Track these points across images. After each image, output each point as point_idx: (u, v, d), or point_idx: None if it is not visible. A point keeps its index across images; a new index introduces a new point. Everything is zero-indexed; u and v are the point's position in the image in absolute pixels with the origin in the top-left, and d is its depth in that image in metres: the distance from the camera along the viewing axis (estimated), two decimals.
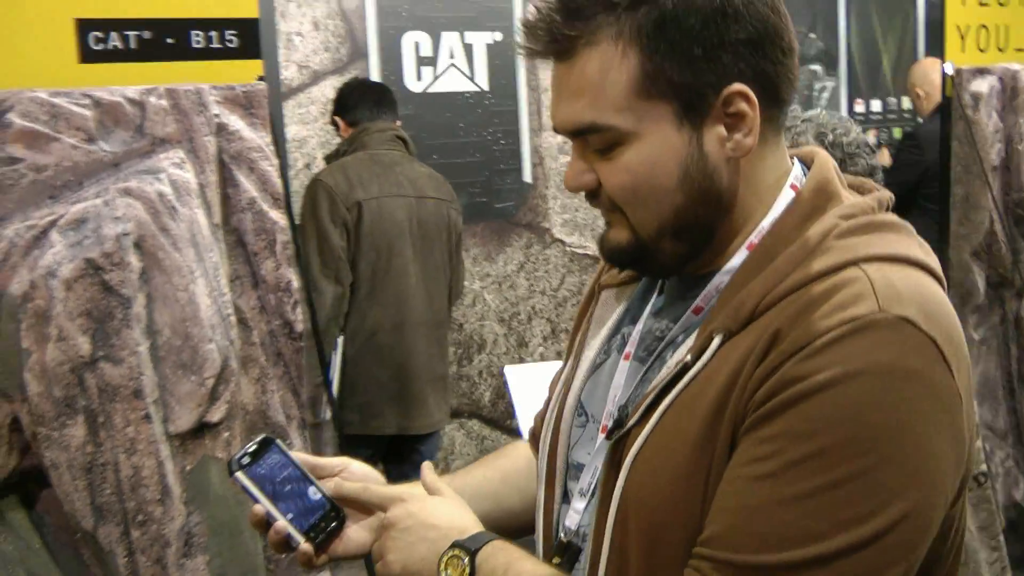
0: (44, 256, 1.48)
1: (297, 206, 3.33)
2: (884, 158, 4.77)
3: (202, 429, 1.61)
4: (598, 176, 1.11)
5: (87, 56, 1.67)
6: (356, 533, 1.30)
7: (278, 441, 1.32)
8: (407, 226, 3.47)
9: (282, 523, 1.25)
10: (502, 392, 4.39)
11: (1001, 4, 2.86)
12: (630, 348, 1.20)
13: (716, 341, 1.04)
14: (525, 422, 2.48)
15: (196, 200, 1.63)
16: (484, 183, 4.36)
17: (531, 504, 1.31)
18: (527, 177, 4.48)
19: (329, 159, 3.59)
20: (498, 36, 4.24)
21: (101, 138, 1.58)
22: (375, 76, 4.08)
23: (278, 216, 1.74)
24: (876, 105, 5.38)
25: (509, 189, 4.43)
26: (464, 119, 4.32)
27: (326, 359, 3.35)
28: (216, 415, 1.62)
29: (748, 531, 0.95)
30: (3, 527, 1.51)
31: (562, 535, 1.22)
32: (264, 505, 1.26)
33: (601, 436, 1.16)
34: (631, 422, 1.10)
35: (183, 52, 1.75)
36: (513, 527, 1.35)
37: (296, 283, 1.76)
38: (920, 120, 4.78)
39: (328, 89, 3.77)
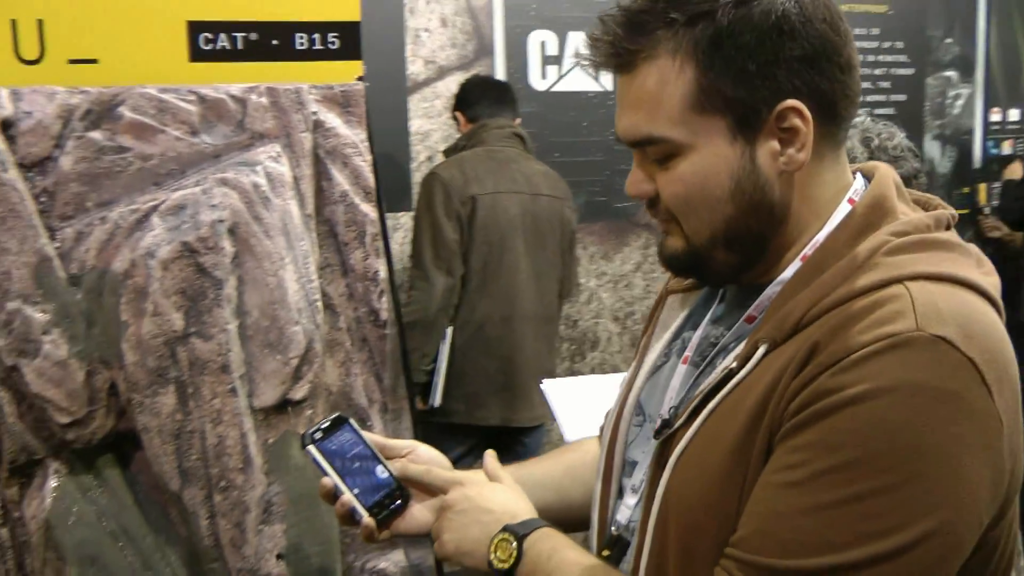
0: (145, 238, 1.61)
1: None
2: (1016, 171, 4.59)
3: (285, 405, 1.72)
4: (656, 185, 1.16)
5: (196, 56, 1.80)
6: (419, 512, 1.37)
7: (351, 420, 1.41)
8: (520, 221, 3.53)
9: (348, 496, 1.34)
10: None
11: None
12: (688, 352, 1.24)
13: (761, 350, 1.07)
14: (570, 434, 2.51)
15: (290, 192, 1.74)
16: (604, 182, 4.40)
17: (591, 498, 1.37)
18: None
19: (448, 153, 3.68)
20: None
21: (204, 131, 1.71)
22: (500, 73, 4.16)
23: (368, 209, 1.83)
24: (1014, 114, 5.16)
25: None
26: (587, 118, 4.37)
27: (435, 349, 3.46)
28: (299, 393, 1.73)
29: (773, 536, 0.98)
30: (100, 482, 1.65)
31: (613, 529, 1.27)
32: (332, 478, 1.35)
33: None
34: (678, 424, 1.14)
35: (287, 53, 1.87)
36: (574, 519, 1.41)
37: (383, 273, 1.85)
38: None
39: (453, 85, 3.87)
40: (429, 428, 3.60)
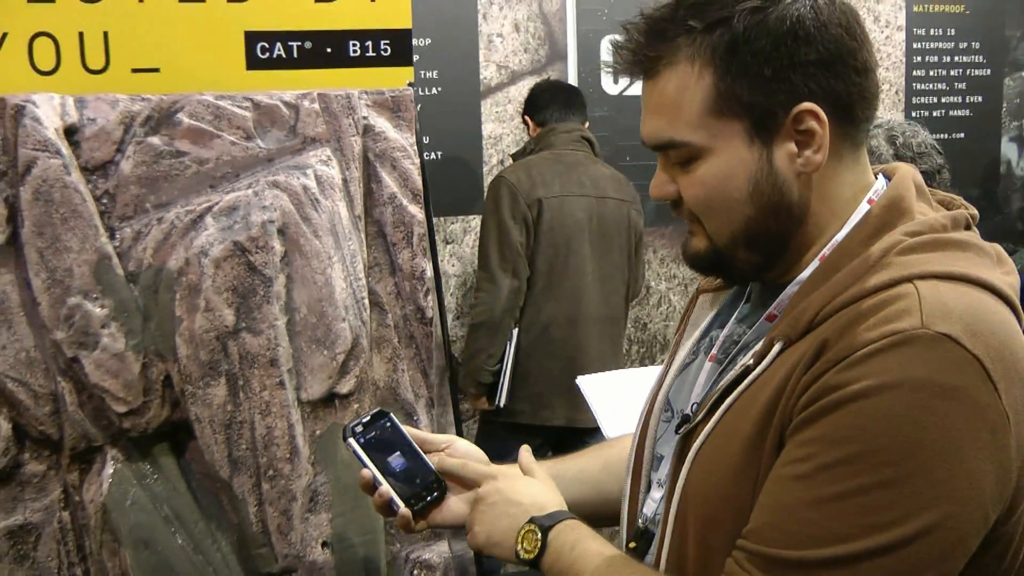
0: (199, 237, 1.69)
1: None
2: None
3: (332, 399, 1.79)
4: (679, 187, 1.19)
5: (253, 64, 1.88)
6: (456, 505, 1.43)
7: (391, 414, 1.47)
8: (586, 224, 3.56)
9: (386, 487, 1.39)
10: None
11: None
12: (714, 350, 1.27)
13: (776, 348, 1.10)
14: (609, 428, 2.53)
15: (339, 194, 1.81)
16: None
17: None
18: None
19: (516, 157, 3.73)
20: None
21: (258, 136, 1.78)
22: (572, 78, 4.19)
23: (416, 210, 1.89)
24: None
25: None
26: None
27: (501, 350, 3.51)
28: (345, 387, 1.80)
29: (780, 527, 1.01)
30: (155, 469, 1.74)
31: (640, 522, 1.31)
32: (371, 470, 1.40)
33: None
34: (697, 419, 1.18)
35: (340, 60, 1.94)
36: (611, 513, 1.44)
37: (429, 272, 1.91)
38: None
39: (525, 89, 3.92)
40: (495, 428, 3.66)
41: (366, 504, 1.79)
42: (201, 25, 1.85)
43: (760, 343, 1.14)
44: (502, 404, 3.58)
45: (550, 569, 1.23)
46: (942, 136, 4.66)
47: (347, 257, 1.80)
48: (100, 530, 1.69)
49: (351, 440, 1.42)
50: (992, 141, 4.74)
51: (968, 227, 1.18)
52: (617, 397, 2.62)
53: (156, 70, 1.83)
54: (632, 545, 1.31)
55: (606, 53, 4.26)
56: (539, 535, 1.24)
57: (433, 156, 4.01)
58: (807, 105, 1.10)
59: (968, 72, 4.67)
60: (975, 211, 1.22)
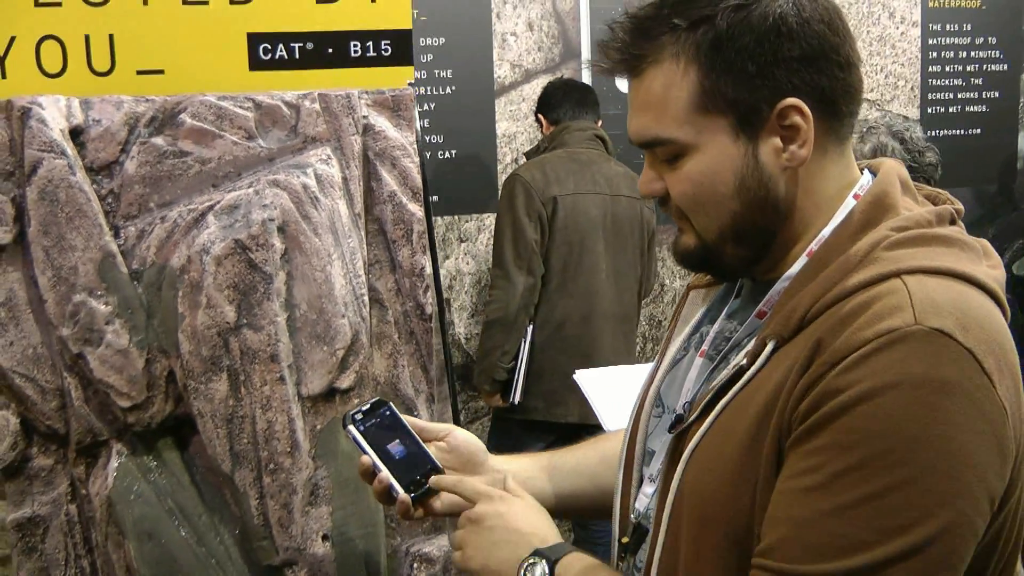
0: (200, 235, 1.73)
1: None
2: None
3: (332, 394, 1.82)
4: (666, 184, 1.21)
5: (256, 65, 1.91)
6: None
7: (390, 403, 1.49)
8: (600, 222, 3.58)
9: (385, 474, 1.40)
10: None
11: None
12: (705, 346, 1.29)
13: (769, 347, 1.11)
14: (609, 423, 2.54)
15: (338, 192, 1.83)
16: None
17: None
18: None
19: (530, 155, 3.75)
20: None
21: (260, 136, 1.81)
22: (586, 76, 4.20)
23: (415, 208, 1.92)
24: None
25: None
26: None
27: (516, 347, 3.54)
28: (345, 382, 1.82)
29: (799, 542, 1.00)
30: (160, 464, 1.77)
31: (633, 517, 1.32)
32: (370, 456, 1.42)
33: None
34: (691, 418, 1.19)
35: (342, 60, 1.97)
36: (607, 506, 1.45)
37: (428, 269, 1.93)
38: None
39: (539, 88, 3.93)
40: (509, 425, 3.68)
41: (367, 498, 1.82)
42: (204, 27, 1.88)
43: (752, 342, 1.14)
44: (516, 401, 3.60)
45: None
46: (958, 132, 4.63)
47: (347, 254, 1.83)
48: (105, 523, 1.73)
49: (351, 427, 1.43)
50: (1009, 137, 4.70)
51: (953, 222, 1.18)
52: (615, 392, 2.63)
53: (161, 72, 1.87)
54: (624, 540, 1.32)
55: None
56: (546, 568, 1.22)
57: (447, 155, 4.04)
58: (791, 100, 1.11)
59: (985, 67, 4.63)
60: (960, 206, 1.23)
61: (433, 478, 1.41)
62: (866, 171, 1.23)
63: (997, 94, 4.67)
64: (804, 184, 1.16)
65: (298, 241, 1.78)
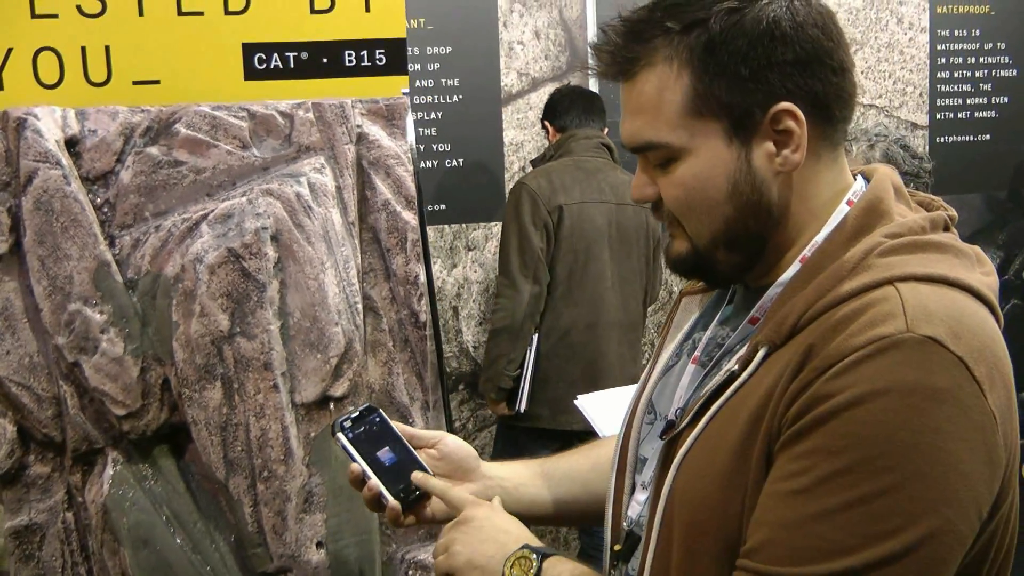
0: (194, 244, 1.74)
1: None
2: None
3: (326, 401, 1.83)
4: (658, 189, 1.21)
5: (251, 75, 1.93)
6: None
7: (380, 410, 1.48)
8: (606, 230, 3.58)
9: (375, 481, 1.40)
10: None
11: None
12: (697, 352, 1.28)
13: (761, 353, 1.10)
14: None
15: (332, 201, 1.85)
16: None
17: None
18: None
19: (535, 163, 3.75)
20: None
21: (254, 145, 1.83)
22: (594, 85, 4.20)
23: (410, 216, 1.93)
24: None
25: None
26: None
27: (521, 355, 3.54)
28: (339, 390, 1.83)
29: (784, 544, 1.00)
30: (155, 471, 1.79)
31: (625, 524, 1.32)
32: (360, 464, 1.41)
33: None
34: (682, 425, 1.18)
35: (336, 70, 1.98)
36: (599, 512, 1.44)
37: (422, 277, 1.94)
38: None
39: (546, 96, 3.93)
40: (515, 433, 3.68)
41: (361, 505, 1.81)
42: (200, 37, 1.90)
43: (744, 348, 1.13)
44: (522, 409, 3.60)
45: None
46: (967, 138, 4.60)
47: (340, 263, 1.84)
48: (101, 530, 1.75)
49: (340, 435, 1.43)
50: (1019, 142, 4.66)
51: (947, 228, 1.18)
52: (618, 414, 2.62)
53: (157, 82, 1.89)
54: (617, 548, 1.32)
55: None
56: (534, 559, 1.23)
57: (454, 163, 4.05)
58: (785, 105, 1.10)
59: (994, 73, 4.61)
60: (954, 212, 1.22)
61: (418, 475, 1.40)
62: (859, 177, 1.22)
63: (1006, 99, 4.64)
64: (797, 189, 1.15)
65: (291, 250, 1.79)
